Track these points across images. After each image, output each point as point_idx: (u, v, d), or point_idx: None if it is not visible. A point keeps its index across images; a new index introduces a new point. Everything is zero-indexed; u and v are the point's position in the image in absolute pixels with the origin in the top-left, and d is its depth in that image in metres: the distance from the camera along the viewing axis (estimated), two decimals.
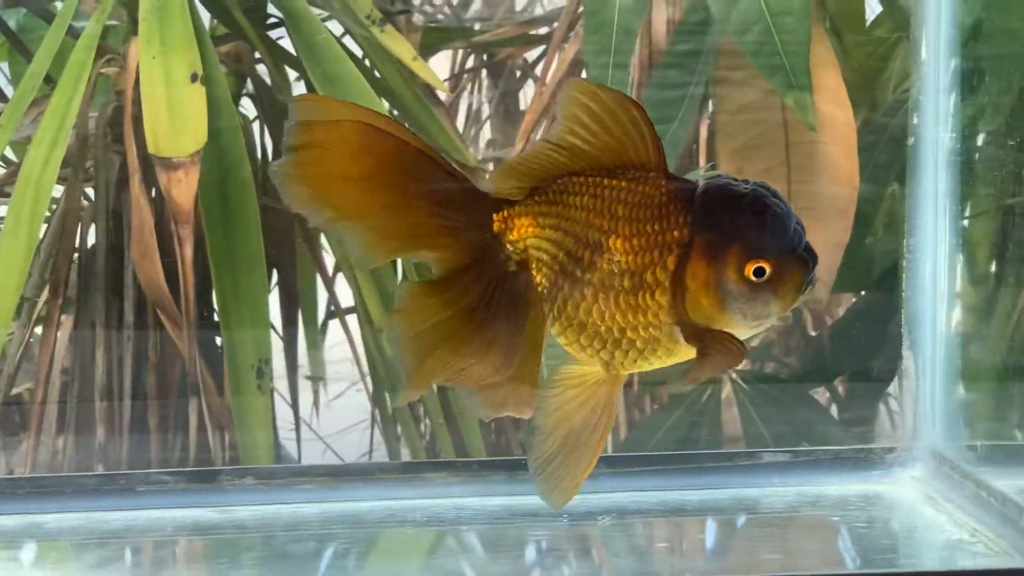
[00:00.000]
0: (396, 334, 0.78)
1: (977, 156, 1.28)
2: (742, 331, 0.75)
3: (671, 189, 0.75)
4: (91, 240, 1.47)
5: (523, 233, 0.77)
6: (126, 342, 1.44)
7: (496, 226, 0.77)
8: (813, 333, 1.55)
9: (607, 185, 0.76)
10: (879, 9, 1.48)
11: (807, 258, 0.73)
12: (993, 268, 1.33)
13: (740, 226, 0.73)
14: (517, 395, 0.78)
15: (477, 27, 1.82)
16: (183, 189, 1.31)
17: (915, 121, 1.29)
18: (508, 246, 0.77)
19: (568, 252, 0.76)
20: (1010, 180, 1.23)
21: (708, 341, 0.75)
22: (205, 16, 1.47)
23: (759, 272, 0.73)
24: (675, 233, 0.75)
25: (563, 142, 0.75)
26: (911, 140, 1.29)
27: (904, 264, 1.28)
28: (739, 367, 0.73)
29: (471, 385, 0.78)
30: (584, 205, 0.76)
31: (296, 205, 0.75)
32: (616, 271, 0.75)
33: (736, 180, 0.75)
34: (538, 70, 1.85)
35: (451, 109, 1.77)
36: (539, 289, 0.77)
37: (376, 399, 1.62)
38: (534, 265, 0.77)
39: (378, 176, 0.75)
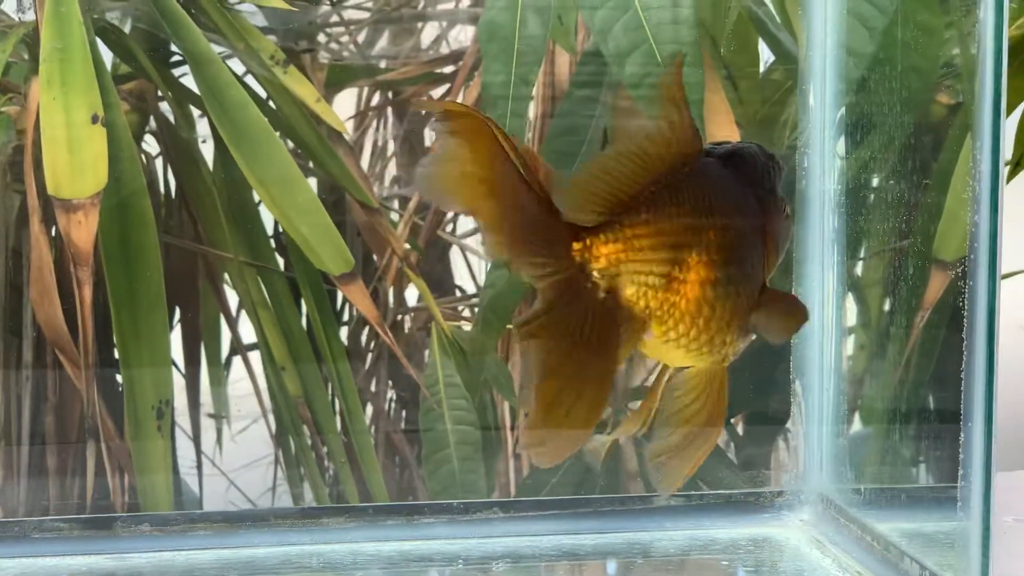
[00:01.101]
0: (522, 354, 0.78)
1: (864, 201, 1.31)
2: None
3: (723, 164, 0.79)
4: None
5: (613, 260, 0.76)
6: (25, 383, 1.43)
7: (577, 257, 0.76)
8: None
9: (679, 184, 0.76)
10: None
11: None
12: (879, 312, 1.36)
13: (780, 179, 0.81)
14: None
15: (383, 64, 1.82)
16: (83, 231, 1.31)
17: (805, 165, 1.31)
18: (594, 275, 0.76)
19: (679, 263, 0.76)
20: (892, 231, 1.26)
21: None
22: (108, 55, 1.47)
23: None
24: (759, 201, 0.78)
25: (626, 151, 0.75)
26: (802, 184, 1.31)
27: None
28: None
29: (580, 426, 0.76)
30: (675, 213, 0.76)
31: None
32: (747, 257, 0.77)
33: (743, 142, 0.80)
34: None
35: (356, 146, 1.77)
36: (644, 313, 0.76)
37: (279, 439, 1.62)
38: (635, 291, 0.76)
39: (488, 182, 0.75)
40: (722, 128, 1.27)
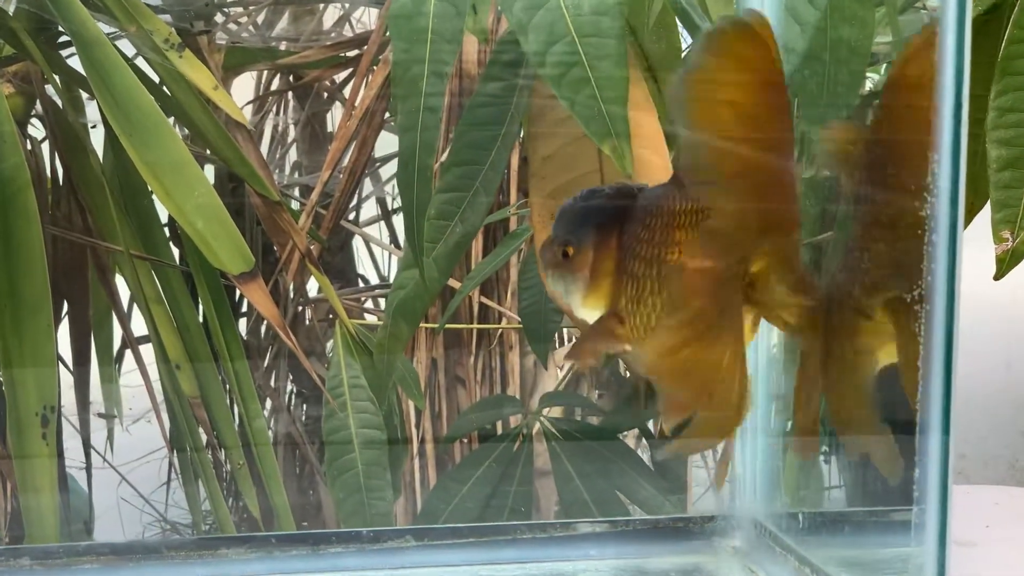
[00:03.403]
0: None
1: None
2: None
3: None
4: None
5: None
6: None
7: None
8: (626, 375, 1.52)
9: None
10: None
11: None
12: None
13: None
14: None
15: (283, 47, 1.75)
16: None
17: None
18: None
19: None
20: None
21: None
22: None
23: None
24: None
25: None
26: None
27: None
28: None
29: None
30: None
31: None
32: None
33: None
34: (347, 91, 1.79)
35: (256, 131, 1.70)
36: None
37: (173, 438, 1.54)
38: None
39: None
40: (644, 126, 1.21)
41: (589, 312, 0.94)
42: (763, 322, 0.91)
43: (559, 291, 0.95)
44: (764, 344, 1.19)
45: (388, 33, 1.28)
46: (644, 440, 1.59)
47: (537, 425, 1.50)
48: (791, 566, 1.08)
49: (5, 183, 1.27)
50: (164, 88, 1.40)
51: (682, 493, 1.51)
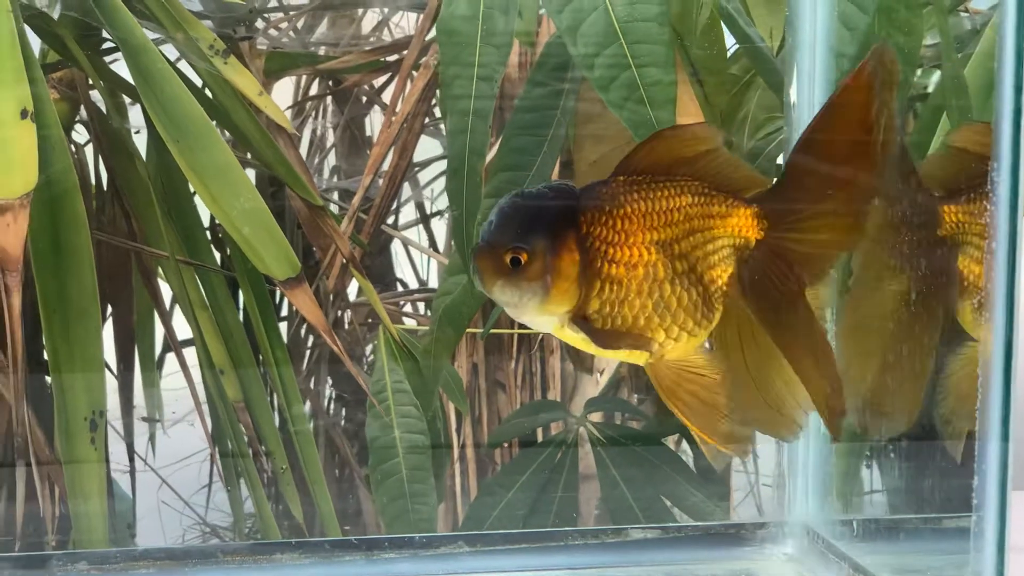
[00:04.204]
0: None
1: None
2: None
3: None
4: None
5: None
6: None
7: None
8: None
9: None
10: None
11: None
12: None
13: None
14: None
15: (323, 51, 1.76)
16: (11, 234, 1.21)
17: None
18: None
19: None
20: None
21: None
22: (36, 41, 1.39)
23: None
24: None
25: None
26: None
27: None
28: None
29: None
30: None
31: None
32: None
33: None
34: (385, 96, 1.80)
35: (296, 136, 1.71)
36: None
37: (216, 441, 1.55)
38: None
39: None
40: None
41: (547, 319, 0.91)
42: None
43: (509, 301, 0.90)
44: None
45: (434, 35, 1.28)
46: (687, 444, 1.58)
47: (581, 430, 1.50)
48: (845, 573, 1.07)
49: (53, 187, 1.27)
50: (206, 91, 1.40)
51: (728, 499, 1.51)
